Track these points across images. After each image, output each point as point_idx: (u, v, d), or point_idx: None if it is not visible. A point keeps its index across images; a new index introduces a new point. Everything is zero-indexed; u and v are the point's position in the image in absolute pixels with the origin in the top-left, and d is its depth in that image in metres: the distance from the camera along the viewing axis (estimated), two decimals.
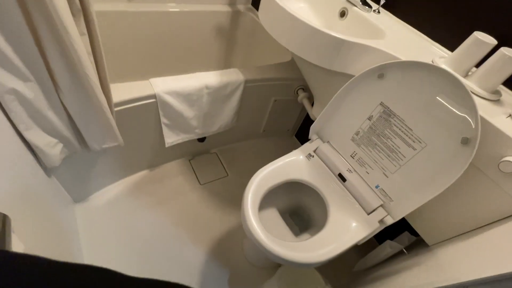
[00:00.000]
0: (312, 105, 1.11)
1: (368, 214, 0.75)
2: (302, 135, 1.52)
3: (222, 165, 1.33)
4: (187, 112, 1.01)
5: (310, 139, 0.88)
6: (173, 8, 1.24)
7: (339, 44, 0.66)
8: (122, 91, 0.86)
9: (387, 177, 0.72)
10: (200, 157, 1.33)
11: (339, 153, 0.83)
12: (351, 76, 0.71)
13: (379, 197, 0.75)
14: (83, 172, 0.99)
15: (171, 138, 1.08)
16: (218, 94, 1.02)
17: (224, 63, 1.54)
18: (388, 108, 0.68)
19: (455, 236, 0.65)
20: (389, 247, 0.81)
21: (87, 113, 0.76)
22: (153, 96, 0.90)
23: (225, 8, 1.35)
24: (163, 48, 1.31)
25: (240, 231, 1.13)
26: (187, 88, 0.94)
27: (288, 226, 0.93)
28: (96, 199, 1.09)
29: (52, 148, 0.77)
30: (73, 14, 0.58)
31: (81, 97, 0.72)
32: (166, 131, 1.04)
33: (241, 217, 0.74)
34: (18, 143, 0.68)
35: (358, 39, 0.66)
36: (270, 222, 0.90)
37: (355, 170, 0.80)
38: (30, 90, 0.64)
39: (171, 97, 0.93)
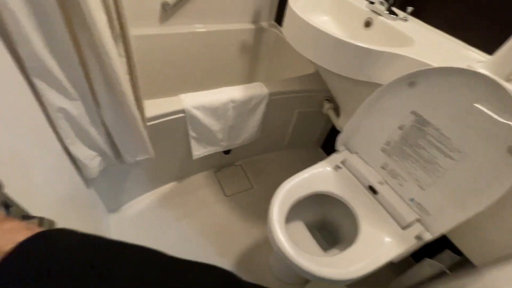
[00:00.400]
0: (338, 115, 1.09)
1: (403, 229, 0.71)
2: (328, 146, 1.49)
3: (247, 177, 1.34)
4: (214, 125, 1.05)
5: (337, 150, 0.87)
6: (200, 28, 1.32)
7: (366, 54, 0.65)
8: (154, 107, 0.91)
9: (423, 189, 0.68)
10: (226, 169, 1.35)
11: (369, 165, 0.80)
12: (378, 85, 0.69)
13: (415, 211, 0.70)
14: (117, 183, 1.05)
15: (198, 151, 1.11)
16: (243, 108, 1.05)
17: (248, 78, 1.59)
18: (421, 116, 0.65)
19: (507, 256, 0.59)
20: (428, 266, 0.75)
21: (123, 128, 0.81)
22: (182, 111, 0.95)
23: (249, 26, 1.41)
24: (192, 66, 1.38)
25: (266, 245, 1.11)
26: (214, 102, 0.98)
27: (316, 240, 0.90)
28: (128, 210, 1.14)
29: (91, 160, 0.83)
30: (114, 39, 0.63)
31: (118, 113, 0.77)
32: (193, 144, 1.08)
33: (267, 230, 0.73)
34: (63, 157, 0.74)
35: (385, 48, 0.65)
36: (297, 236, 0.88)
37: (387, 182, 0.76)
38: (75, 108, 0.70)
39: (199, 111, 0.97)
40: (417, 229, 0.69)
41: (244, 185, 1.31)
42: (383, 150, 0.75)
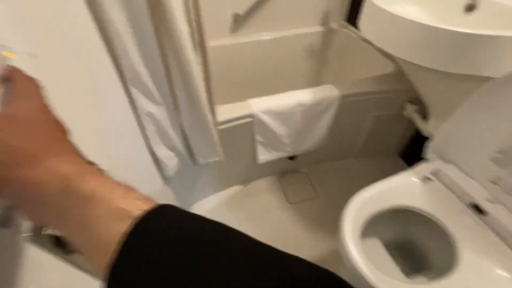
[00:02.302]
0: (425, 119, 0.94)
1: None
2: (409, 155, 1.30)
3: (312, 185, 1.27)
4: (280, 130, 1.03)
5: (425, 159, 0.74)
6: (265, 36, 1.34)
7: (475, 42, 0.53)
8: (224, 112, 0.95)
9: None
10: (290, 176, 1.32)
11: (472, 178, 0.65)
12: (488, 79, 0.56)
13: None
14: (189, 183, 1.13)
15: (263, 155, 1.11)
16: (311, 111, 1.00)
17: (315, 82, 1.53)
18: None
19: None
20: None
21: (197, 131, 0.87)
22: (251, 115, 0.96)
23: (317, 28, 1.36)
24: (259, 73, 1.42)
25: (333, 260, 1.02)
26: (281, 106, 0.96)
27: (395, 263, 0.77)
28: (196, 209, 1.21)
29: (170, 160, 0.91)
30: (194, 49, 0.68)
31: (194, 117, 0.83)
32: (259, 149, 1.08)
33: (338, 246, 0.66)
34: (147, 156, 0.83)
35: (500, 31, 0.52)
36: (373, 255, 0.78)
37: (499, 201, 0.60)
38: (159, 113, 0.78)
39: (266, 115, 0.97)
40: None
41: (308, 193, 1.25)
42: (495, 160, 0.60)
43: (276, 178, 1.31)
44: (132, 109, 0.73)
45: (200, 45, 0.71)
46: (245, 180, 1.29)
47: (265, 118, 0.98)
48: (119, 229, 0.15)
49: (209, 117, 0.82)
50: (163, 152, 0.87)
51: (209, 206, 1.22)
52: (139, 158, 0.73)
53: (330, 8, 1.33)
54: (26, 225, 0.25)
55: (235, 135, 1.01)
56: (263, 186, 1.29)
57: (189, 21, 0.64)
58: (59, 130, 0.19)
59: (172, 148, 0.90)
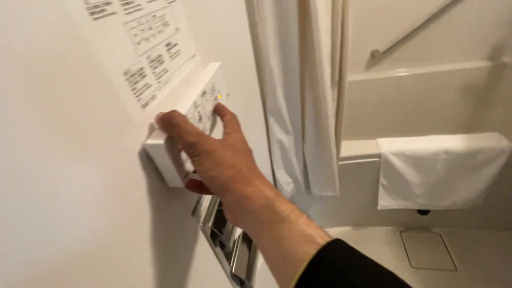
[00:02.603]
0: None
1: None
2: None
3: (449, 253, 1.01)
4: (413, 176, 0.89)
5: None
6: (402, 73, 1.23)
7: None
8: (349, 148, 0.93)
9: None
10: (416, 233, 1.10)
11: None
12: None
13: None
14: None
15: (385, 201, 0.99)
16: (461, 162, 0.82)
17: (470, 126, 1.25)
18: None
19: None
20: None
21: (318, 163, 0.89)
22: (378, 155, 0.89)
23: (481, 63, 1.12)
24: (391, 111, 1.30)
25: None
26: (419, 151, 0.84)
27: None
28: None
29: (287, 185, 0.97)
30: (332, 86, 0.72)
31: (318, 149, 0.85)
32: (382, 193, 0.98)
33: None
34: (269, 178, 0.92)
35: None
36: None
37: None
38: (288, 141, 0.85)
39: (397, 158, 0.87)
40: None
41: (442, 262, 0.99)
42: None
43: (397, 231, 1.12)
44: (266, 135, 0.84)
45: (339, 83, 0.74)
46: (358, 224, 1.18)
47: (395, 161, 0.88)
48: (308, 250, 0.18)
49: (334, 151, 0.82)
50: (282, 177, 0.94)
51: None
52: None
53: (505, 39, 1.07)
54: (201, 219, 0.34)
55: (357, 173, 0.96)
56: (379, 236, 1.13)
57: (332, 61, 0.69)
58: (252, 156, 0.26)
59: (291, 174, 0.95)
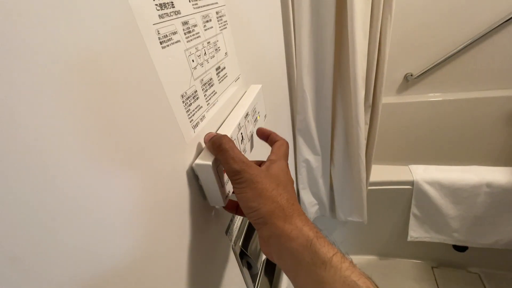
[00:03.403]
0: None
1: None
2: None
3: None
4: (449, 209, 0.83)
5: None
6: (435, 97, 1.18)
7: None
8: (379, 173, 0.89)
9: None
10: (450, 270, 1.00)
11: None
12: None
13: None
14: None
15: (417, 233, 0.93)
16: (505, 198, 0.75)
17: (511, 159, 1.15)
18: None
19: None
20: None
21: (346, 186, 0.86)
22: (411, 183, 0.84)
23: None
24: (424, 137, 1.24)
25: None
26: (458, 182, 0.79)
27: None
28: None
29: (311, 207, 0.94)
30: (365, 109, 0.71)
31: (347, 172, 0.83)
32: (413, 223, 0.91)
33: None
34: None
35: None
36: None
37: None
38: (315, 162, 0.84)
39: (432, 188, 0.82)
40: None
41: None
42: None
43: (428, 266, 1.04)
44: (294, 154, 0.84)
45: (372, 107, 0.73)
46: (385, 254, 1.11)
47: (430, 191, 0.83)
48: None
49: (363, 175, 0.79)
50: (307, 197, 0.92)
51: None
52: None
53: None
54: (233, 238, 0.34)
55: (387, 200, 0.91)
56: (407, 269, 1.05)
57: (367, 85, 0.68)
58: (293, 188, 0.25)
59: (316, 196, 0.93)
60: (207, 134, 0.24)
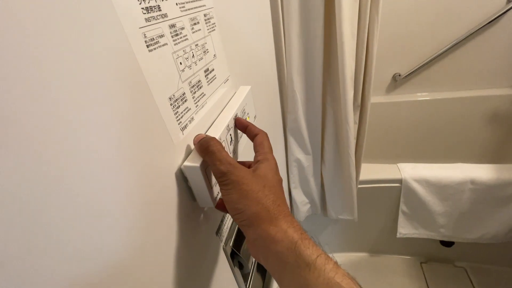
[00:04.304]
0: None
1: None
2: None
3: None
4: (436, 205, 0.86)
5: None
6: (423, 97, 1.21)
7: None
8: (368, 171, 0.91)
9: None
10: (438, 265, 1.03)
11: None
12: None
13: None
14: (315, 233, 1.11)
15: (405, 229, 0.95)
16: (489, 194, 0.78)
17: (495, 156, 1.19)
18: None
19: None
20: None
21: (336, 184, 0.87)
22: (399, 180, 0.86)
23: (508, 91, 1.09)
24: (412, 135, 1.27)
25: None
26: (443, 179, 0.81)
27: None
28: None
29: (303, 205, 0.95)
30: (354, 108, 0.72)
31: (337, 170, 0.84)
32: (402, 220, 0.94)
33: None
34: (286, 196, 0.91)
35: None
36: None
37: None
38: (306, 161, 0.85)
39: (420, 185, 0.84)
40: None
41: None
42: None
43: (417, 262, 1.06)
44: (285, 153, 0.84)
45: (361, 106, 0.74)
46: (375, 250, 1.13)
47: (417, 188, 0.85)
48: None
49: (353, 173, 0.81)
50: (299, 196, 0.93)
51: None
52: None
53: None
54: (224, 239, 0.34)
55: (376, 197, 0.93)
56: (396, 265, 1.08)
57: (356, 85, 0.69)
58: (282, 187, 0.25)
59: (308, 195, 0.94)
60: (197, 136, 0.25)
